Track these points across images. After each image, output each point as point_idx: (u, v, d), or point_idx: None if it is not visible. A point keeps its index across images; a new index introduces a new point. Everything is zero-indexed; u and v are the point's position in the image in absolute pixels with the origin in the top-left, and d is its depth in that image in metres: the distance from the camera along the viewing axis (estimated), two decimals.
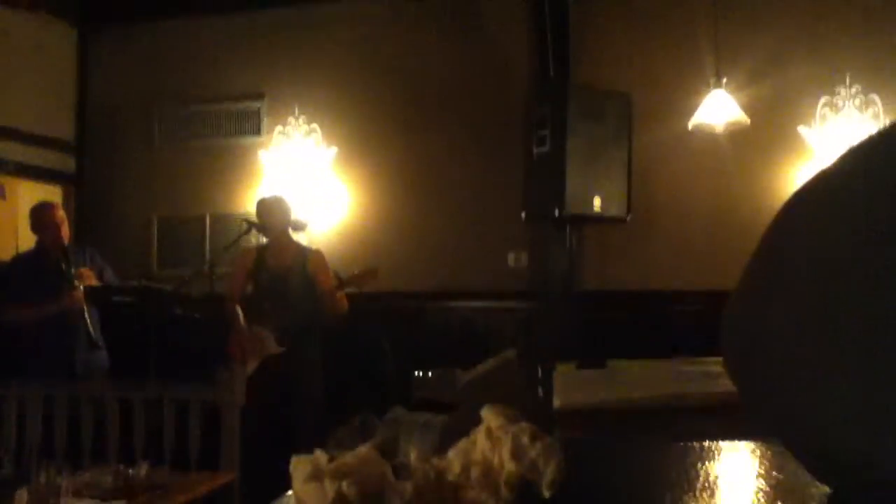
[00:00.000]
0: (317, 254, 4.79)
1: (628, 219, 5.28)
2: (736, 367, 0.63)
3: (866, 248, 0.50)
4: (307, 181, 5.89)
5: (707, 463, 0.86)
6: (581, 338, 4.52)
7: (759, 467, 0.83)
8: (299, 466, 0.49)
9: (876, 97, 5.17)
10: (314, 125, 6.01)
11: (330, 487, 0.47)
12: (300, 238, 5.41)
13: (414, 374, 4.92)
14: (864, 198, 0.52)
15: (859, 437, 0.50)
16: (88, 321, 4.49)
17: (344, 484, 0.47)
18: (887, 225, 0.50)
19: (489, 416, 0.63)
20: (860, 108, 5.23)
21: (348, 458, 0.50)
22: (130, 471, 3.11)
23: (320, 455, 0.49)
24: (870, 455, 0.50)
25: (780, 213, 0.60)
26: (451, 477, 0.56)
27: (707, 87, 5.04)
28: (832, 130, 5.22)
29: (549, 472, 0.59)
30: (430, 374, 4.84)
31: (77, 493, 2.89)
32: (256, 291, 4.65)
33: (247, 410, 3.78)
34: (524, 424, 0.62)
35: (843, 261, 0.51)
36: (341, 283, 4.56)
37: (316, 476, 0.47)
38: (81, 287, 4.48)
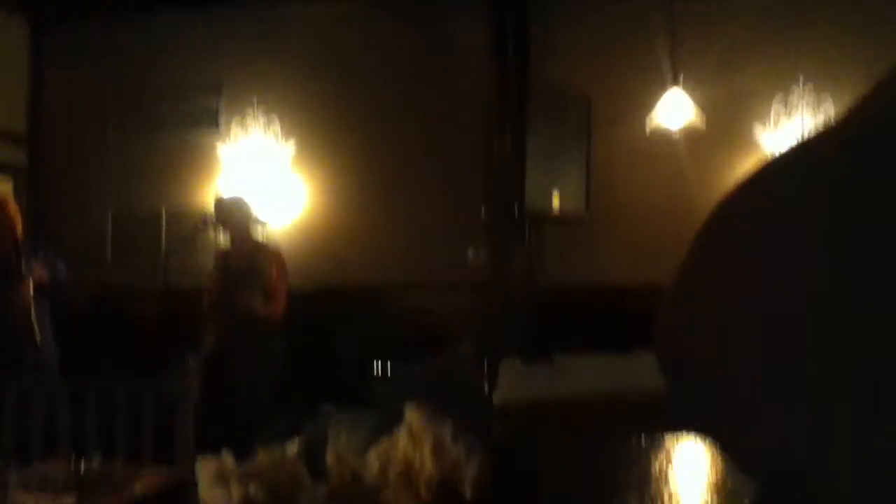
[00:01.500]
0: (274, 255, 4.75)
1: (586, 216, 5.32)
2: (669, 373, 0.63)
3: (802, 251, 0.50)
4: (265, 176, 5.84)
5: (652, 457, 0.87)
6: (537, 333, 4.54)
7: (706, 460, 0.83)
8: (205, 469, 0.48)
9: (829, 97, 5.26)
10: (273, 117, 5.96)
11: (236, 491, 0.46)
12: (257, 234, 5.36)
13: (373, 364, 4.91)
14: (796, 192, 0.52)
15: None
16: (37, 323, 4.38)
17: (252, 487, 0.46)
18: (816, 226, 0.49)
19: (411, 415, 0.62)
20: (813, 108, 5.32)
21: (260, 458, 0.49)
22: (82, 464, 3.05)
23: (227, 457, 0.48)
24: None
25: (714, 212, 0.59)
26: (369, 478, 0.56)
27: (664, 86, 5.09)
28: (786, 130, 5.30)
29: (471, 473, 0.59)
30: (388, 365, 4.84)
31: (27, 487, 2.83)
32: (218, 292, 4.62)
33: (201, 404, 3.74)
34: (447, 423, 0.62)
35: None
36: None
37: (221, 479, 0.46)
38: (30, 282, 4.38)
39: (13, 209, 4.57)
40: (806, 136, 0.57)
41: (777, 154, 0.61)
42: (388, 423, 0.73)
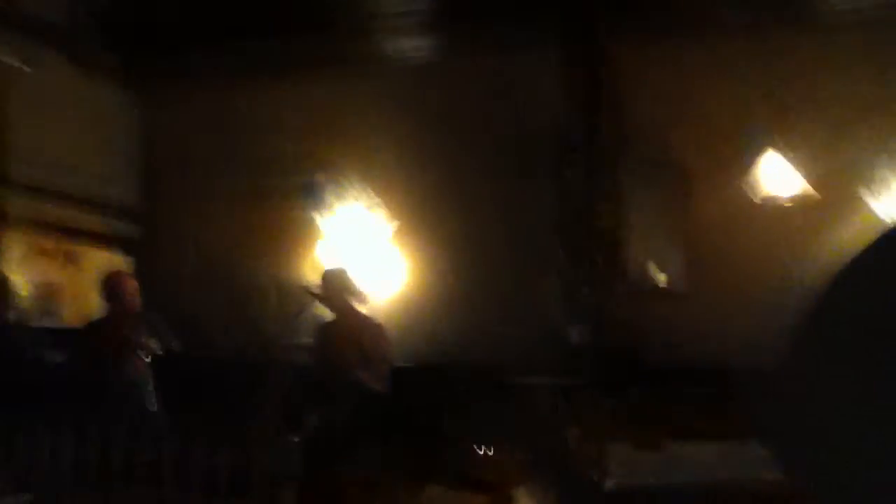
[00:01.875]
0: (376, 327, 4.81)
1: (688, 290, 5.20)
2: (788, 455, 0.60)
3: None
4: (367, 252, 5.95)
5: None
6: (642, 417, 4.42)
7: None
8: None
9: None
10: (375, 198, 6.06)
11: None
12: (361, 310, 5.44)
13: (473, 447, 4.86)
14: None
15: None
16: (152, 392, 4.55)
17: None
18: None
19: (525, 502, 0.63)
20: None
21: None
22: None
23: None
24: None
25: (840, 274, 0.58)
26: None
27: (762, 153, 4.97)
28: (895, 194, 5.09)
29: None
30: (490, 451, 4.78)
31: None
32: (318, 366, 4.69)
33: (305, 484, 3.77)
34: None
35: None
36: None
37: None
38: (147, 358, 4.55)
39: (133, 286, 4.79)
40: None
41: (890, 224, 0.59)
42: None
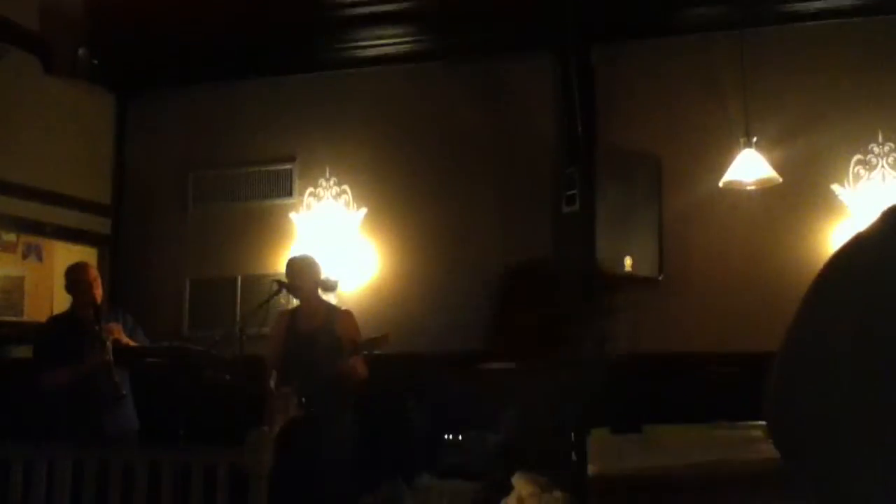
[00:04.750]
0: (346, 314, 4.78)
1: (660, 279, 5.23)
2: (788, 447, 0.60)
3: None
4: (337, 242, 5.92)
5: None
6: (615, 402, 4.43)
7: None
8: None
9: None
10: (344, 186, 6.06)
11: None
12: (330, 298, 5.41)
13: (443, 437, 4.85)
14: None
15: None
16: (114, 374, 4.48)
17: None
18: None
19: (520, 484, 0.60)
20: (894, 166, 5.18)
21: None
22: None
23: None
24: None
25: (819, 281, 0.57)
26: None
27: (737, 146, 5.03)
28: (866, 189, 5.16)
29: None
30: (459, 436, 4.77)
31: None
32: (287, 354, 4.63)
33: (275, 475, 3.72)
34: (557, 493, 0.59)
35: (890, 337, 0.49)
36: (355, 347, 4.50)
37: None
38: (109, 343, 4.49)
39: (94, 275, 4.74)
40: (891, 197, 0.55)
41: (878, 219, 0.58)
42: (489, 492, 0.71)
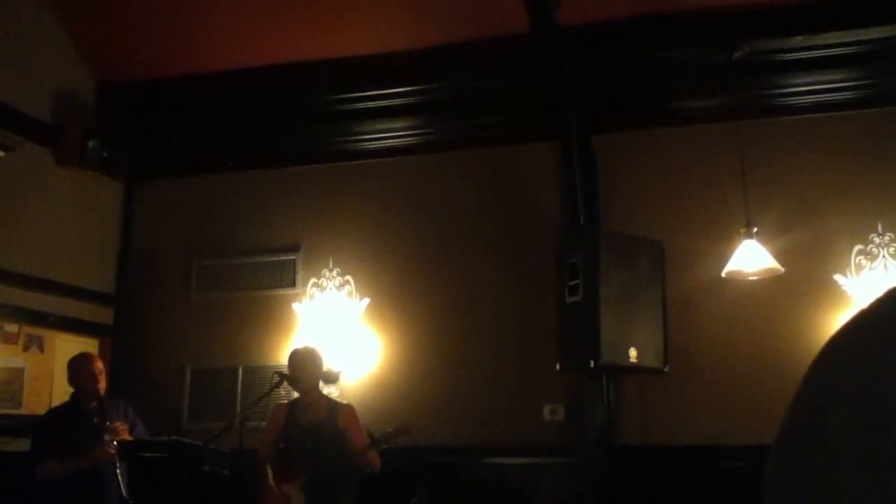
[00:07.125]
0: (347, 408, 4.73)
1: (666, 370, 5.18)
2: None
3: None
4: (340, 332, 5.89)
5: None
6: (621, 494, 4.34)
7: None
8: None
9: None
10: (347, 276, 6.07)
11: None
12: (332, 390, 5.36)
13: None
14: None
15: None
16: (120, 477, 4.41)
17: None
18: None
19: None
20: (895, 256, 5.19)
21: None
22: None
23: None
24: None
25: (818, 360, 0.57)
26: None
27: (738, 235, 5.06)
28: (868, 279, 5.17)
29: None
30: None
31: None
32: (287, 447, 4.56)
33: None
34: None
35: (889, 416, 0.48)
36: (374, 441, 4.44)
37: None
38: (115, 441, 4.43)
39: (100, 367, 4.70)
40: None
41: (881, 298, 0.58)
42: None
